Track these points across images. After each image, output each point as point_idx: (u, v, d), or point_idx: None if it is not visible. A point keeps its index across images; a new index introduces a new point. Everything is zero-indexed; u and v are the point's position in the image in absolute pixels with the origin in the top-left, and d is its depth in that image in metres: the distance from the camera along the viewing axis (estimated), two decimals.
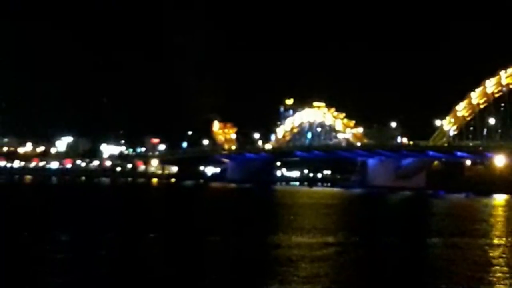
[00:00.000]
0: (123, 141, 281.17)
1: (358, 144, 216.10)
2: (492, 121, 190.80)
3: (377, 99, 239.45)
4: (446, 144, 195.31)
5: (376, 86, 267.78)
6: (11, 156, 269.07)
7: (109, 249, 44.20)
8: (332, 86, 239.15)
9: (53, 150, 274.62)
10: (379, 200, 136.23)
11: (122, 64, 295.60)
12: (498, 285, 33.84)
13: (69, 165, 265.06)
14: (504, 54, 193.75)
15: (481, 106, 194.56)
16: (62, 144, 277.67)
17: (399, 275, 37.51)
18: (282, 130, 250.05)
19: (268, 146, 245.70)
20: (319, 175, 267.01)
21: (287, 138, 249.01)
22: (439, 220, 78.78)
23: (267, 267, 37.57)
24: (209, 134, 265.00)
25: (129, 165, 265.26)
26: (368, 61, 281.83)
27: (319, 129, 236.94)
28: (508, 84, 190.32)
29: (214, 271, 36.96)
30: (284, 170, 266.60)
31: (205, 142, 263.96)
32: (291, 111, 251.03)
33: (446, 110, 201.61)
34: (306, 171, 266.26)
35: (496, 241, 54.27)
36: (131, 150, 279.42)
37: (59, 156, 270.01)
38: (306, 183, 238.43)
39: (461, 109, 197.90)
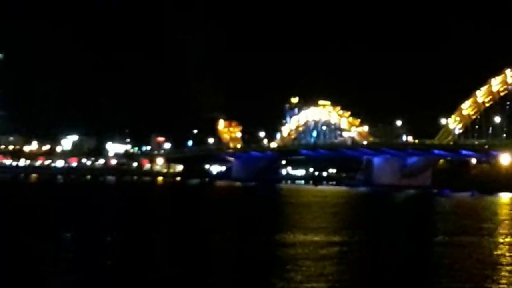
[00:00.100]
0: (128, 140, 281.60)
1: (364, 142, 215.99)
2: (497, 119, 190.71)
3: (377, 99, 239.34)
4: (451, 143, 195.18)
5: (376, 86, 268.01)
6: (16, 154, 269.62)
7: (114, 248, 44.27)
8: (333, 86, 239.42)
9: (58, 149, 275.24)
10: (384, 198, 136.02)
11: (122, 64, 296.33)
12: (503, 284, 33.74)
13: (74, 164, 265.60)
14: (504, 54, 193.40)
15: (487, 105, 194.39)
16: (67, 142, 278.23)
17: (404, 274, 37.48)
18: (288, 129, 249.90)
19: (274, 145, 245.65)
20: (325, 174, 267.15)
21: (293, 136, 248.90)
22: (444, 219, 78.78)
23: (272, 266, 37.56)
24: (214, 133, 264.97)
25: (135, 164, 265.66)
26: (368, 61, 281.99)
27: (324, 128, 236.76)
28: None
29: (219, 269, 37.00)
30: (289, 168, 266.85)
31: (211, 140, 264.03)
32: (296, 110, 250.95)
33: (447, 109, 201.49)
34: (311, 169, 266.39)
35: (501, 239, 54.14)
36: (136, 148, 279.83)
37: (64, 155, 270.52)
38: (311, 181, 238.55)
39: (467, 107, 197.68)
